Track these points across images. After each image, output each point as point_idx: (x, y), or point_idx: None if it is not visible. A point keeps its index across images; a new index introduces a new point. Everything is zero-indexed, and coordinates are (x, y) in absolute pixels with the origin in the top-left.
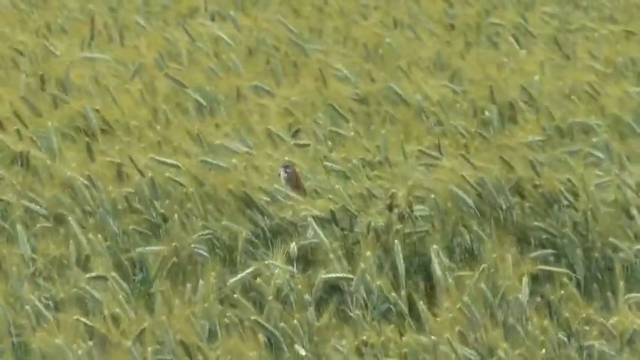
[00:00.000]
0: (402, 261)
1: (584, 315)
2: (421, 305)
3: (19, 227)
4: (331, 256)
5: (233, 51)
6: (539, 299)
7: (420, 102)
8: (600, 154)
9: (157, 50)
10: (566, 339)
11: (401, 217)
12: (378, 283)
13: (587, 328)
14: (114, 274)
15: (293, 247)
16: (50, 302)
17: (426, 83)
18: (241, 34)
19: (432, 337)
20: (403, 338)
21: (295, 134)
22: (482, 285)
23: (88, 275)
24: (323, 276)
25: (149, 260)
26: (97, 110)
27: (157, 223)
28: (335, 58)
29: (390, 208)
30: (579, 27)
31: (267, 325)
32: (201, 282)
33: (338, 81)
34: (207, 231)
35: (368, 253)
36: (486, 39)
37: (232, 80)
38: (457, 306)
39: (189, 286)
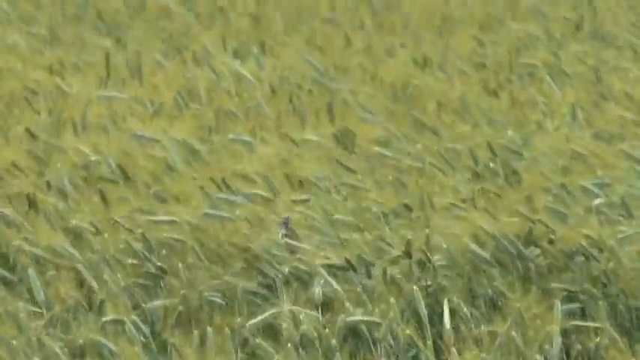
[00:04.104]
0: (424, 307)
1: None
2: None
3: (30, 272)
4: (347, 304)
5: (255, 90)
6: (578, 347)
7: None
8: (615, 212)
9: (177, 89)
10: None
11: (421, 265)
12: (403, 330)
13: None
14: (133, 317)
15: (319, 292)
16: (67, 349)
17: (452, 129)
18: (264, 73)
19: None
20: None
21: (303, 186)
22: (513, 333)
23: (104, 319)
24: (348, 319)
25: (155, 313)
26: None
27: (159, 276)
28: (361, 99)
29: (409, 255)
30: (614, 66)
31: None
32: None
33: (363, 123)
34: (214, 282)
35: (392, 300)
36: (518, 78)
37: (252, 122)
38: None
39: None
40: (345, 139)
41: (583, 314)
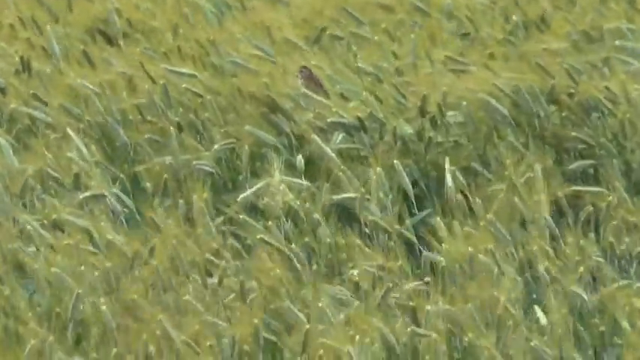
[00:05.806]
0: (409, 183)
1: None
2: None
3: (1, 140)
4: (340, 174)
5: None
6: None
7: (449, 6)
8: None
9: None
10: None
11: (433, 123)
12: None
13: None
14: (114, 190)
15: (300, 159)
16: (45, 222)
17: None
18: None
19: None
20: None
21: (317, 40)
22: (515, 199)
23: (82, 195)
24: (335, 197)
25: (150, 175)
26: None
27: (171, 133)
28: None
29: (423, 112)
30: None
31: (277, 244)
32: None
33: None
34: (227, 140)
35: (378, 169)
36: None
37: None
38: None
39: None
40: None
41: (596, 174)
